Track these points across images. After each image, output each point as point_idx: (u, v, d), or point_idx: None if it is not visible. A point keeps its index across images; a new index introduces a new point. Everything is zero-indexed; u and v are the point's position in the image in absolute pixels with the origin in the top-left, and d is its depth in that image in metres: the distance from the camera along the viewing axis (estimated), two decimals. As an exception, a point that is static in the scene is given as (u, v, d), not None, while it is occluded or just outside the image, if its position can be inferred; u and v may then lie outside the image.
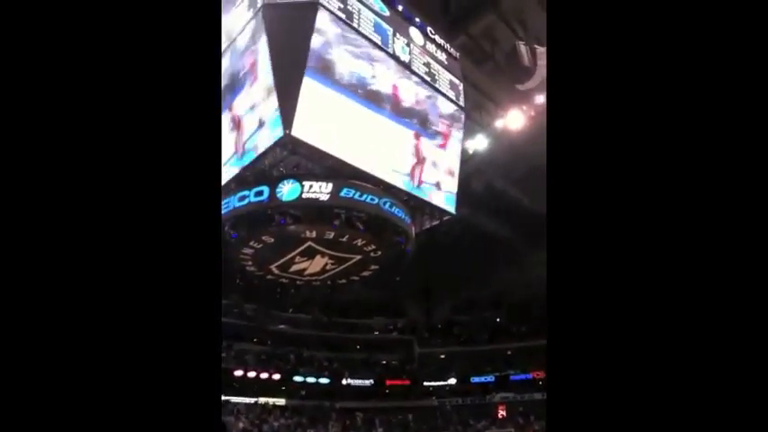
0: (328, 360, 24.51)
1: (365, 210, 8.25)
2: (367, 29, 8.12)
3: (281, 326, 24.60)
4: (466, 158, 12.55)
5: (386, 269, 10.37)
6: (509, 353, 23.60)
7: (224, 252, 9.07)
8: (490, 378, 23.69)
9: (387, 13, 8.65)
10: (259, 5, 7.44)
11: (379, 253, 9.25)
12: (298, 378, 23.04)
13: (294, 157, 7.89)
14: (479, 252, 21.50)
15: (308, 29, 7.21)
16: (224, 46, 8.37)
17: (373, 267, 9.95)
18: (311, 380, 23.32)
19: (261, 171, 8.10)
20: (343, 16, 7.72)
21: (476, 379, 23.93)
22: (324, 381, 23.42)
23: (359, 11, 8.04)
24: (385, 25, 8.51)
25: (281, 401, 22.10)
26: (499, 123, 13.75)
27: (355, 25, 7.91)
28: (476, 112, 13.62)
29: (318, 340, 24.85)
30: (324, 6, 7.44)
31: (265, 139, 7.44)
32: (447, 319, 26.92)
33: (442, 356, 25.63)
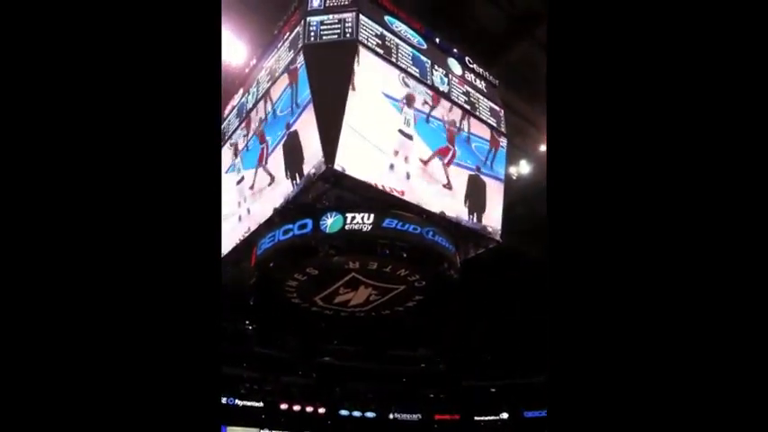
0: (374, 393, 24.13)
1: (408, 239, 8.20)
2: (405, 62, 8.27)
3: (327, 358, 24.54)
4: (510, 184, 12.36)
5: (431, 299, 10.20)
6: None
7: (269, 285, 9.23)
8: (544, 413, 22.53)
9: (424, 45, 8.80)
10: (300, 46, 7.75)
11: (424, 283, 9.13)
12: (343, 412, 22.76)
13: (336, 189, 8.00)
14: (528, 280, 20.83)
15: (349, 65, 7.42)
16: (267, 85, 8.74)
17: (418, 298, 9.81)
18: (357, 414, 22.97)
19: (304, 204, 8.25)
20: (381, 52, 7.91)
21: (529, 413, 22.83)
22: (370, 415, 23.01)
23: (396, 46, 8.21)
24: (423, 58, 8.64)
25: (327, 436, 21.84)
26: (543, 148, 13.55)
27: (394, 60, 8.08)
28: (518, 137, 13.49)
29: (364, 373, 24.57)
30: (363, 44, 7.66)
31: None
32: (496, 351, 26.03)
33: (493, 390, 24.69)
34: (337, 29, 7.72)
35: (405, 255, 8.23)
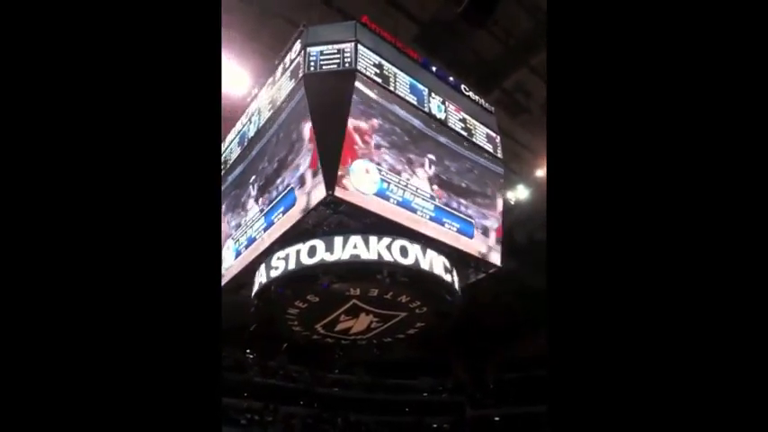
0: (376, 423, 23.59)
1: (408, 265, 8.18)
2: (403, 91, 8.43)
3: (328, 388, 24.11)
4: (508, 209, 12.43)
5: (433, 326, 10.10)
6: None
7: (270, 312, 9.17)
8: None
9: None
10: (300, 76, 7.92)
11: (425, 309, 9.06)
12: (346, 442, 22.21)
13: (336, 216, 8.03)
14: (530, 305, 20.69)
15: (348, 93, 7.58)
16: (269, 114, 8.89)
17: (419, 324, 9.72)
18: (360, 445, 22.41)
19: (305, 230, 8.27)
20: (379, 81, 8.08)
21: (534, 443, 22.25)
22: (373, 446, 22.45)
23: (395, 75, 8.40)
24: (420, 86, 8.81)
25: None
26: (539, 173, 13.68)
27: (392, 88, 8.24)
28: (515, 162, 13.64)
29: (366, 402, 24.09)
30: (361, 73, 7.83)
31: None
32: (500, 378, 25.60)
33: (497, 418, 24.17)
34: (337, 59, 7.91)
35: (405, 281, 8.17)
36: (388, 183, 7.95)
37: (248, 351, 22.77)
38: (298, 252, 8.12)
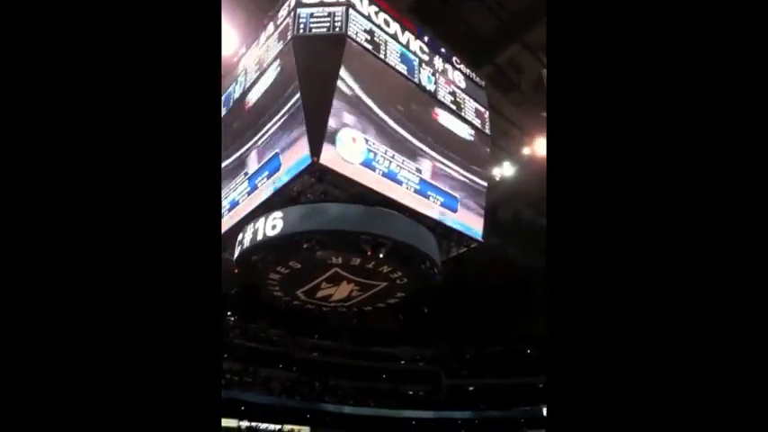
0: (354, 389, 24.18)
1: (391, 237, 8.23)
2: (393, 60, 8.29)
3: (307, 353, 24.53)
4: (493, 185, 12.49)
5: (413, 297, 10.25)
6: (540, 386, 22.78)
7: (251, 277, 9.20)
8: (513, 411, 22.80)
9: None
10: (289, 38, 7.72)
11: (406, 280, 9.18)
12: (323, 406, 22.81)
13: (321, 184, 8.00)
14: (509, 282, 21.10)
15: (336, 59, 7.43)
16: (255, 75, 8.69)
17: (400, 295, 9.86)
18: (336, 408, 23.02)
19: (289, 198, 8.23)
20: (370, 47, 7.92)
21: (504, 412, 23.08)
22: (348, 410, 23.10)
23: (385, 42, 8.24)
24: (411, 56, 8.67)
25: (306, 429, 21.88)
26: (526, 151, 13.72)
27: (382, 56, 8.09)
28: (502, 139, 13.63)
29: (344, 368, 24.62)
30: (351, 38, 7.66)
31: (291, 164, 7.62)
32: (476, 351, 26.29)
33: (471, 388, 24.95)
34: (327, 22, 7.71)
35: (387, 252, 8.23)
36: (375, 153, 7.91)
37: (229, 313, 22.93)
38: (280, 218, 8.11)
